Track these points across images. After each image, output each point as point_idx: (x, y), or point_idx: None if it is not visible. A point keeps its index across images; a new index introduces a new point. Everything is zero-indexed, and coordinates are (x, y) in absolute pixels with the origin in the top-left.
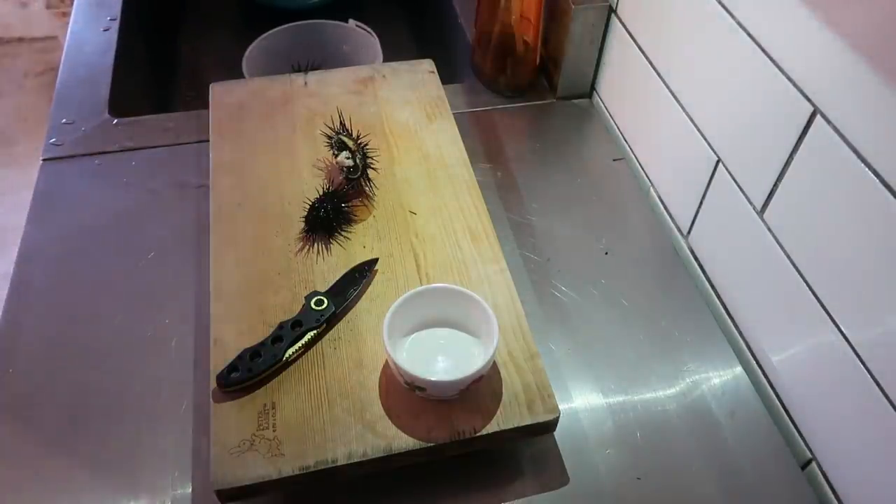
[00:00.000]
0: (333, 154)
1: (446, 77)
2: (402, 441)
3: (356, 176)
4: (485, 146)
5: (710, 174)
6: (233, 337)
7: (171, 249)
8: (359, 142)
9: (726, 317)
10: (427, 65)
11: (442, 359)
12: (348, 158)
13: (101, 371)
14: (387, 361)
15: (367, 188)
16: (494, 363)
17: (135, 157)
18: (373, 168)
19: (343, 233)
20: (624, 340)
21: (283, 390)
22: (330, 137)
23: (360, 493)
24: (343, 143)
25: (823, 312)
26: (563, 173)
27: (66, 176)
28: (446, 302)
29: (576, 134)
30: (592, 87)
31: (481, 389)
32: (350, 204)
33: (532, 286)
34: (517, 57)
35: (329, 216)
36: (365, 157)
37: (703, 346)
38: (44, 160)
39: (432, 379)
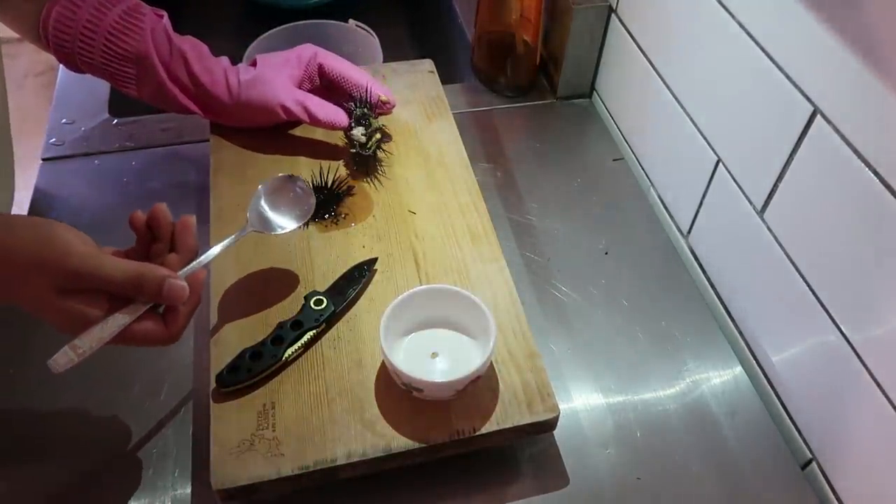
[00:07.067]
0: (349, 125)
1: (446, 77)
2: (402, 441)
3: (366, 153)
4: (485, 146)
5: (710, 174)
6: (233, 337)
7: None
8: (378, 122)
9: (726, 317)
10: (427, 65)
11: (439, 359)
12: (363, 135)
13: (102, 371)
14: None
15: (375, 170)
16: (492, 363)
17: (135, 157)
18: (384, 150)
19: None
20: (624, 340)
21: (283, 390)
22: (351, 108)
23: (360, 493)
24: (363, 117)
25: (823, 312)
26: (563, 173)
27: (66, 176)
28: (444, 302)
29: (576, 134)
30: (592, 87)
31: (480, 389)
32: (343, 188)
33: (532, 286)
34: (517, 57)
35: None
36: (381, 138)
37: (703, 346)
38: (44, 160)
39: (428, 380)
